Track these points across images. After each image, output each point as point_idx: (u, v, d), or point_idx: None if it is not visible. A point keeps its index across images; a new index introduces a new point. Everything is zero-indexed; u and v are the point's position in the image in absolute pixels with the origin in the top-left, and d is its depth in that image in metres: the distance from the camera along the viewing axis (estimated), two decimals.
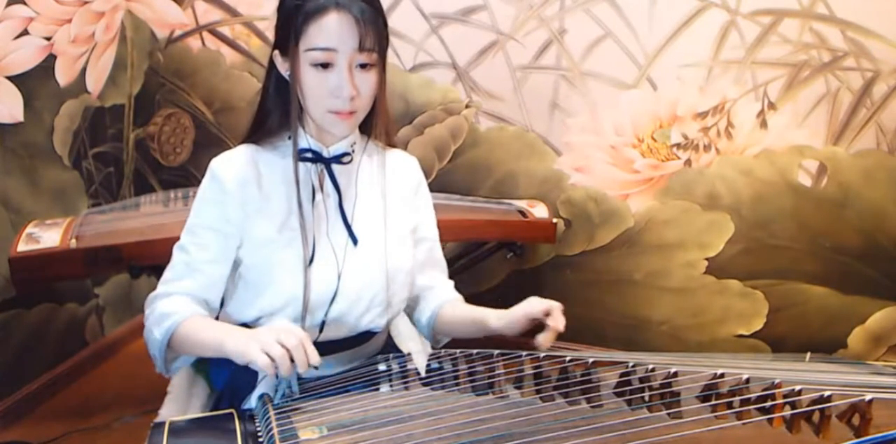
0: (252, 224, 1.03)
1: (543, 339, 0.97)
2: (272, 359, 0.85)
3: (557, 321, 0.98)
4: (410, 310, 1.23)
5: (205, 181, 1.04)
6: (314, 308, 1.05)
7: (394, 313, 1.14)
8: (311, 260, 1.03)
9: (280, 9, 0.99)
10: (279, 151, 1.06)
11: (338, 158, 1.07)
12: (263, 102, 1.06)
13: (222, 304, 1.12)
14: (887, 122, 1.83)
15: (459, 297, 1.20)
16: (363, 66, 0.97)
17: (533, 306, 1.01)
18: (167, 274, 1.05)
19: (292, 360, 0.86)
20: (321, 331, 1.08)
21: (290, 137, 1.05)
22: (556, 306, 1.00)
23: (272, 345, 0.86)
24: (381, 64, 1.00)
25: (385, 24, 0.99)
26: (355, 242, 1.07)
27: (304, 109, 1.02)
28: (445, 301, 1.18)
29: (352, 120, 1.00)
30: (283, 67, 1.01)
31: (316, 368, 0.88)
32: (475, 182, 2.18)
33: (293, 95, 1.00)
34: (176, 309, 0.99)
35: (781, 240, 1.99)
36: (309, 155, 1.05)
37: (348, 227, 1.07)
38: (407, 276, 1.13)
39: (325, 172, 1.07)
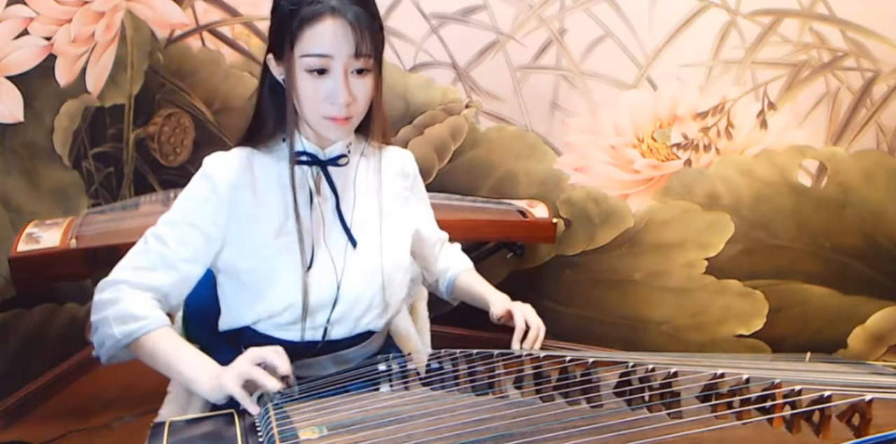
0: (242, 229, 1.02)
1: (515, 343, 1.07)
2: (254, 382, 0.89)
3: (518, 321, 1.09)
4: (433, 285, 1.34)
5: (196, 178, 1.02)
6: (315, 312, 1.05)
7: (393, 312, 1.14)
8: (310, 265, 1.03)
9: (274, 13, 0.97)
10: (274, 154, 1.05)
11: (334, 161, 1.06)
12: (259, 105, 1.05)
13: (196, 304, 1.15)
14: (887, 122, 1.82)
15: (468, 267, 1.31)
16: (359, 71, 0.95)
17: (494, 314, 1.15)
18: (137, 260, 1.02)
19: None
20: (325, 334, 1.08)
21: (285, 140, 1.04)
22: (514, 309, 1.10)
23: (245, 370, 0.89)
24: (378, 68, 0.98)
25: (381, 28, 0.97)
26: (354, 244, 1.07)
27: (299, 113, 1.00)
28: (457, 273, 1.29)
29: (348, 125, 0.99)
30: (277, 71, 1.00)
31: (289, 386, 0.92)
32: (475, 182, 2.18)
33: (289, 100, 0.98)
34: (145, 313, 0.97)
35: (781, 240, 1.99)
36: (305, 158, 1.05)
37: (347, 230, 1.07)
38: (405, 274, 1.14)
39: (322, 174, 1.06)
